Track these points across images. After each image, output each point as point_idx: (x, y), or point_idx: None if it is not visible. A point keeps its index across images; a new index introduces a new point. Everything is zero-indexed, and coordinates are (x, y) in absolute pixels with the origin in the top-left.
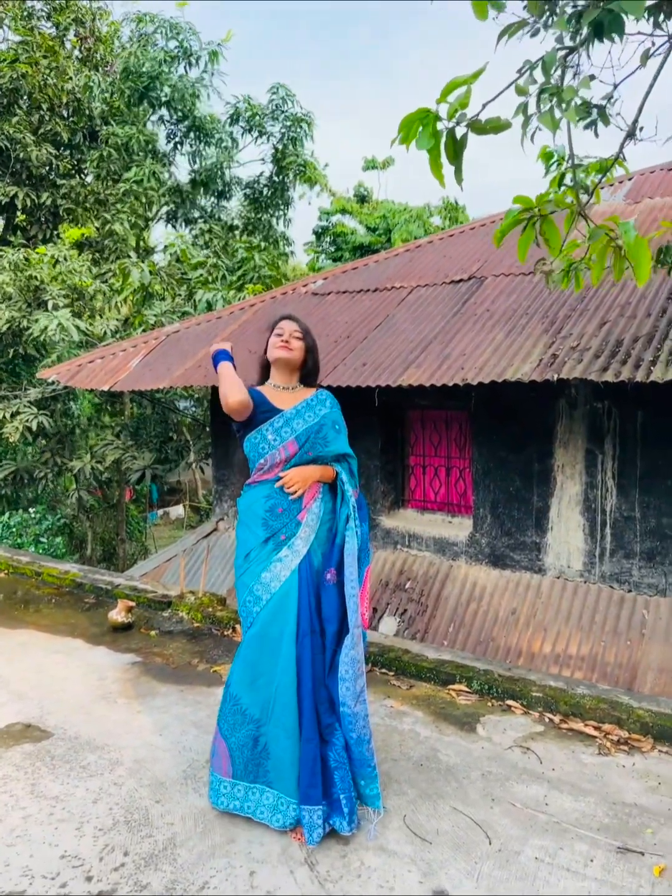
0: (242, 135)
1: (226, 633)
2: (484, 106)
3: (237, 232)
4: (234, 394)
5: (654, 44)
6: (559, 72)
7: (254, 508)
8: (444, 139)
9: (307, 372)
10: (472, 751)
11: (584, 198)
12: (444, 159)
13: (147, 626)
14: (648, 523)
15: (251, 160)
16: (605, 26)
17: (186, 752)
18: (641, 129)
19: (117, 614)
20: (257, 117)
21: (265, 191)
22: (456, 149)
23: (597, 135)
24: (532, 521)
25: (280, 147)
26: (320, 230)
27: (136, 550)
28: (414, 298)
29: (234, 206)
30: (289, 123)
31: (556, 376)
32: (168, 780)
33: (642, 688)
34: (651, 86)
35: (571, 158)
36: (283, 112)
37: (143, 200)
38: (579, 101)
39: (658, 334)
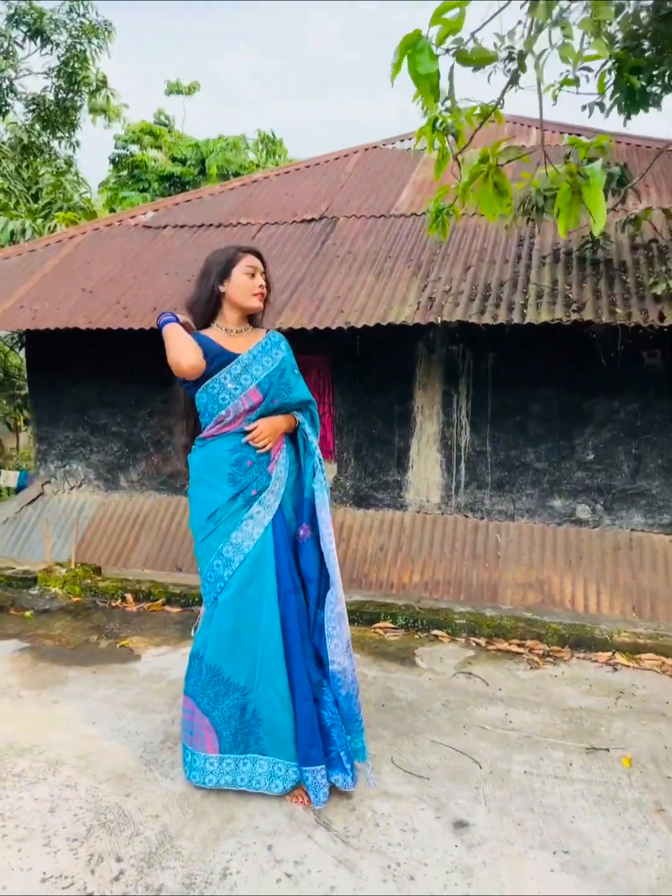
0: (24, 40)
1: (114, 604)
2: (472, 35)
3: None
4: (186, 357)
5: None
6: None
7: (217, 464)
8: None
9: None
10: (422, 684)
11: (450, 140)
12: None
13: (15, 606)
14: (498, 456)
15: (35, 72)
16: None
17: (134, 736)
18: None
19: None
20: (43, 22)
21: (53, 108)
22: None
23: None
24: (393, 460)
25: (68, 59)
26: (117, 159)
27: None
28: (265, 236)
29: (4, 123)
30: (79, 33)
31: (439, 319)
32: (128, 770)
33: (503, 603)
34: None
35: (449, 99)
36: (78, 17)
37: None
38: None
39: (520, 279)
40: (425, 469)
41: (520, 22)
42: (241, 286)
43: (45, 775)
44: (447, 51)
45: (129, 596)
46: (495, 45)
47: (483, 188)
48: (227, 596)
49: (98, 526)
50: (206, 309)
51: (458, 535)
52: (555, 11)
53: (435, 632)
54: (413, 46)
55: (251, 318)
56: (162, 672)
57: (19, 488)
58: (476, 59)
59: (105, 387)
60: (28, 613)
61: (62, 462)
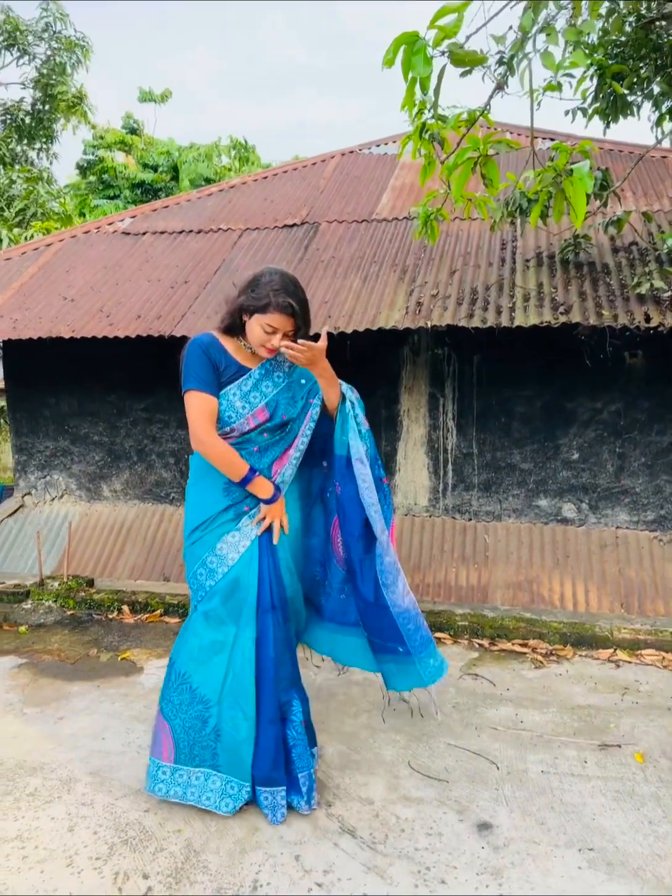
0: (0, 51)
1: (110, 616)
2: (468, 38)
3: None
4: (205, 440)
5: None
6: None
7: (213, 472)
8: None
9: None
10: (430, 687)
11: (436, 147)
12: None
13: (8, 622)
14: (484, 458)
15: (10, 82)
16: None
17: (145, 750)
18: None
19: None
20: (19, 33)
21: (27, 119)
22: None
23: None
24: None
25: (46, 72)
26: (86, 164)
27: None
28: (247, 241)
29: None
30: (58, 47)
31: (429, 324)
32: (144, 785)
33: (494, 603)
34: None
35: (434, 107)
36: (54, 33)
37: None
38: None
39: (506, 282)
40: (413, 472)
41: (511, 27)
42: (255, 336)
43: (60, 793)
44: (442, 52)
45: (125, 607)
46: (485, 49)
47: (463, 173)
48: (206, 607)
49: (81, 536)
50: (232, 322)
51: (446, 537)
52: (540, 17)
53: (437, 634)
54: (410, 47)
55: None
56: None
57: None
58: (468, 61)
59: (86, 396)
60: (23, 628)
61: (43, 473)
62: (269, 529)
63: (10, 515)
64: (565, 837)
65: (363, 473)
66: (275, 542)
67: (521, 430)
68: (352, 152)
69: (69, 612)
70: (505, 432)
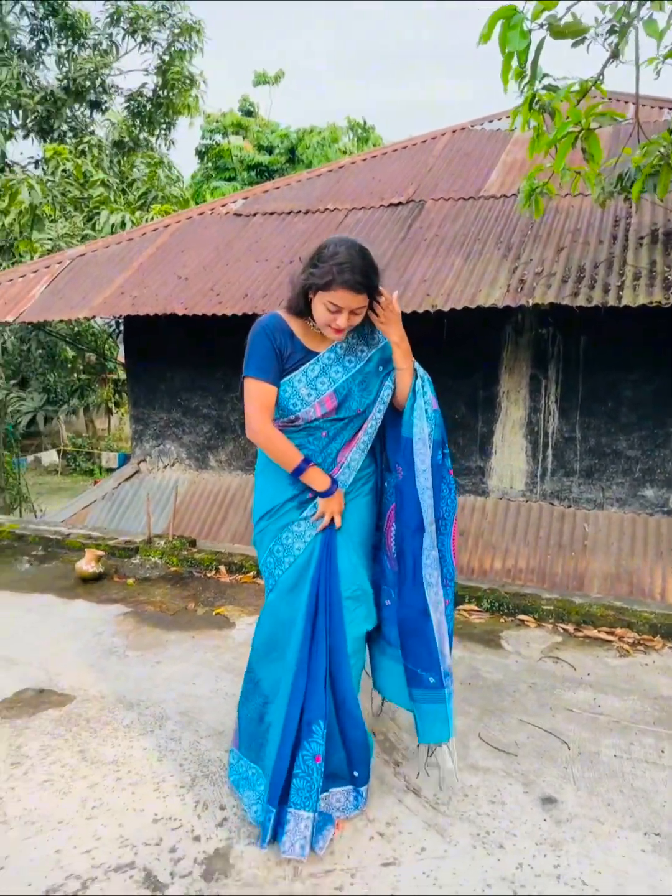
0: (123, 38)
1: (209, 575)
2: (568, 10)
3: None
4: (259, 429)
5: None
6: None
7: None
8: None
9: None
10: (509, 666)
11: (547, 119)
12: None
13: (119, 574)
14: (588, 443)
15: (133, 69)
16: None
17: (231, 698)
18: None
19: (86, 564)
20: (141, 20)
21: (148, 105)
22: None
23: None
24: (476, 446)
25: (166, 58)
26: (204, 149)
27: (12, 499)
28: (352, 221)
29: (107, 120)
30: (176, 31)
31: (531, 301)
32: (226, 728)
33: (589, 592)
34: None
35: (536, 77)
36: (170, 16)
37: (6, 106)
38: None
39: (616, 260)
40: (509, 455)
41: None
42: (321, 316)
43: (152, 728)
44: (540, 25)
45: (222, 567)
46: (596, 19)
47: (563, 148)
48: (272, 598)
49: (189, 502)
50: (298, 301)
51: (542, 523)
52: None
53: (521, 616)
54: (507, 21)
55: None
56: None
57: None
58: (569, 33)
59: (196, 371)
60: (131, 581)
61: (157, 442)
62: (330, 526)
63: (127, 480)
64: (632, 820)
65: (422, 454)
66: (335, 526)
67: (628, 416)
68: (463, 129)
69: (172, 569)
70: (611, 417)
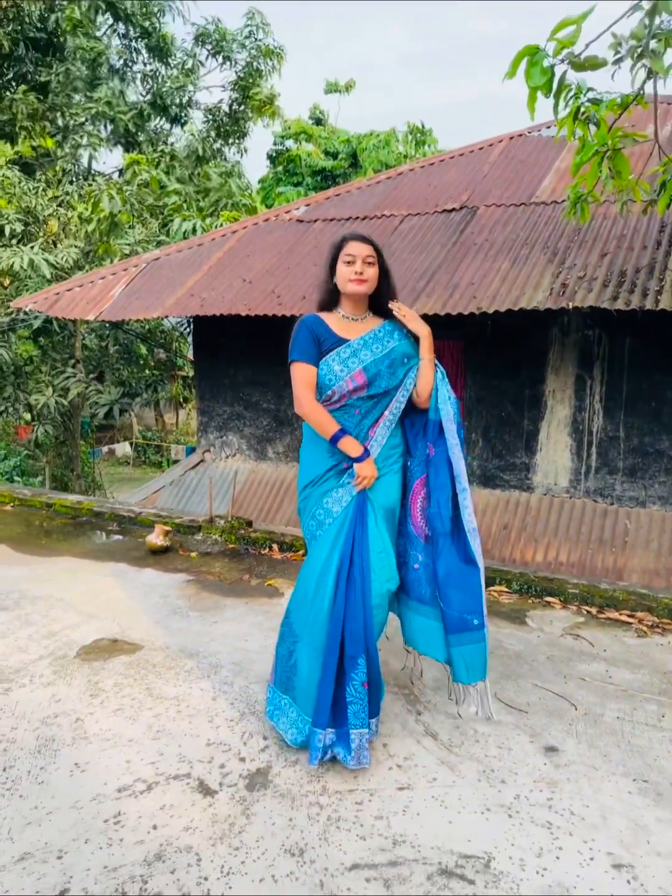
0: (207, 58)
1: (263, 552)
2: (587, 45)
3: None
4: (306, 407)
5: None
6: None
7: (320, 437)
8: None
9: (379, 298)
10: (530, 640)
11: (592, 130)
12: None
13: (183, 548)
14: (631, 442)
15: (210, 86)
16: None
17: None
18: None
19: (156, 538)
20: (225, 42)
21: (225, 119)
22: (551, 84)
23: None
24: (522, 443)
25: (244, 76)
26: (275, 154)
27: (87, 486)
28: (407, 227)
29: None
30: (258, 54)
31: (571, 304)
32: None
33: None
34: None
35: (575, 92)
36: (255, 41)
37: (104, 122)
38: None
39: (657, 265)
40: (554, 453)
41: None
42: (341, 276)
43: (208, 674)
44: (561, 61)
45: (275, 546)
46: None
47: (592, 170)
48: (310, 553)
49: (248, 490)
50: (326, 297)
51: (585, 519)
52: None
53: (548, 598)
54: (531, 58)
55: (373, 306)
56: None
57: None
58: (588, 66)
59: (258, 368)
60: (194, 554)
61: (220, 433)
62: (362, 493)
63: (192, 468)
64: (623, 769)
65: (451, 431)
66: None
67: (671, 416)
68: (520, 136)
69: (230, 546)
70: (655, 417)
